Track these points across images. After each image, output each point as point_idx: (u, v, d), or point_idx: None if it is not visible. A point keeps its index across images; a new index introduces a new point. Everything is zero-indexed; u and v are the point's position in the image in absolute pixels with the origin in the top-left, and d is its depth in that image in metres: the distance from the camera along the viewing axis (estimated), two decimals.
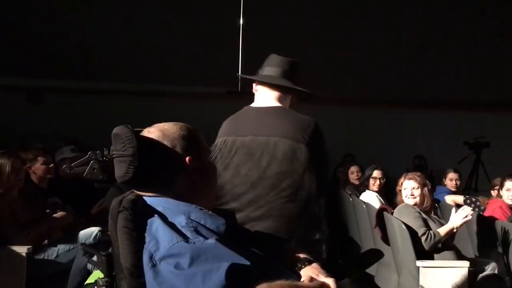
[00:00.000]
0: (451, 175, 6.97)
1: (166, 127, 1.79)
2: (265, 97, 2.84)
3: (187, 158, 1.75)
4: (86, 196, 5.02)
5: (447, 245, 4.39)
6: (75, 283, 3.89)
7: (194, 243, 1.55)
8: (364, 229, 5.51)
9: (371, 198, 5.98)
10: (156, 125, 1.81)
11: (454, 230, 4.38)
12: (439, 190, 6.80)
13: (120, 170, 1.73)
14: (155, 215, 1.67)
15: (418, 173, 4.86)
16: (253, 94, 2.92)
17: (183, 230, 1.60)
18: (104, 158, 1.86)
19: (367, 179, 6.25)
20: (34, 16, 9.35)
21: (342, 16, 9.93)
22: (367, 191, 6.19)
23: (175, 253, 1.53)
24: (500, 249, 4.78)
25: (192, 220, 1.64)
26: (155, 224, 1.64)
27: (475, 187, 9.10)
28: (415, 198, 4.58)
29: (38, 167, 4.63)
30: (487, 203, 5.78)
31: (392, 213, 4.58)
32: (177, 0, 9.76)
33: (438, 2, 10.26)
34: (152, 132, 1.77)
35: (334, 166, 8.01)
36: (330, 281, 1.71)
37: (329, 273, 1.78)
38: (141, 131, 1.79)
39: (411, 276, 4.24)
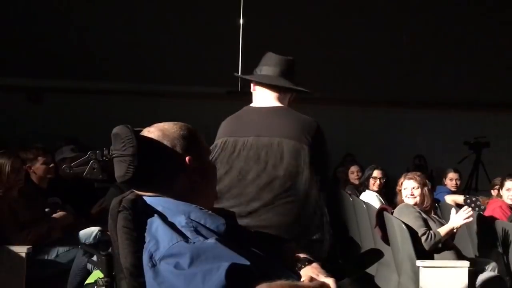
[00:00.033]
0: (451, 175, 6.97)
1: (166, 127, 1.78)
2: (264, 97, 2.83)
3: (187, 158, 1.74)
4: (86, 196, 5.01)
5: (447, 245, 4.38)
6: (75, 283, 3.88)
7: (194, 243, 1.55)
8: (364, 229, 5.50)
9: (371, 198, 5.98)
10: (156, 125, 1.80)
11: (454, 230, 4.38)
12: (439, 190, 6.81)
13: (120, 170, 1.73)
14: (155, 215, 1.67)
15: (418, 173, 4.86)
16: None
17: (183, 230, 1.60)
18: (104, 158, 1.86)
19: (367, 179, 6.25)
20: (34, 16, 9.34)
21: (342, 16, 9.92)
22: (367, 191, 6.19)
23: (175, 253, 1.53)
24: (500, 249, 4.77)
25: (192, 220, 1.63)
26: (155, 224, 1.64)
27: (475, 187, 9.10)
28: (415, 198, 4.58)
29: (38, 167, 4.63)
30: (487, 203, 5.78)
31: (392, 213, 4.58)
32: (177, 0, 9.74)
33: (438, 2, 10.25)
34: (152, 132, 1.77)
35: (334, 166, 8.02)
36: (330, 281, 1.70)
37: (329, 273, 1.78)
38: (141, 131, 1.78)
39: (411, 276, 4.24)
